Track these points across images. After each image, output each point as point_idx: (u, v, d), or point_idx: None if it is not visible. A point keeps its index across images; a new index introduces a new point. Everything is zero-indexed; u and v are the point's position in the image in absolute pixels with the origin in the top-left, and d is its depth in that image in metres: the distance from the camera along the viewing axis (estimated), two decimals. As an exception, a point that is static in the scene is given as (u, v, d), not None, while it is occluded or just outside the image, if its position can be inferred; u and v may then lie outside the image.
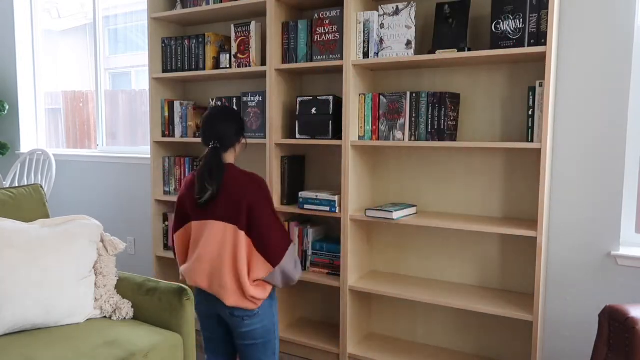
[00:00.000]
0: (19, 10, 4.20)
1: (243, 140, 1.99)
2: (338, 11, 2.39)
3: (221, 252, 1.82)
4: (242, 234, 1.83)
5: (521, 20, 2.02)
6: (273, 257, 1.84)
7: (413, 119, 2.27)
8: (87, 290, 1.93)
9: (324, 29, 2.43)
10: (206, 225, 1.86)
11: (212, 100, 2.81)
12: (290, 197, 2.63)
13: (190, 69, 2.86)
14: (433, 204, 2.48)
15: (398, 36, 2.27)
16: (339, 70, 2.49)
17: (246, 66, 2.66)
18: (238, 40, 2.68)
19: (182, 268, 1.92)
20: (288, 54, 2.54)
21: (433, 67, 2.42)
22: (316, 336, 2.62)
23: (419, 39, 2.41)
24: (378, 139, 2.36)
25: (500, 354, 2.39)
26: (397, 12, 2.26)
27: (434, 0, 2.38)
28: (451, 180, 2.43)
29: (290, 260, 1.86)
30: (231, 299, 1.80)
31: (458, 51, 2.14)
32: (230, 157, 1.94)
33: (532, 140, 2.05)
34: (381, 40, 2.31)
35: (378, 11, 2.30)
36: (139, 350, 1.73)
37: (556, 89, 2.20)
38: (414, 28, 2.24)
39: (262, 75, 2.74)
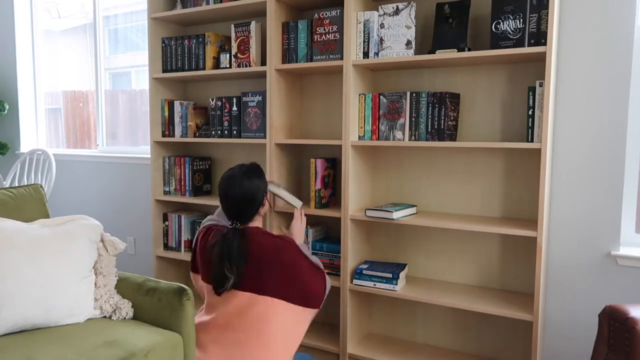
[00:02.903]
0: (19, 10, 4.20)
1: (266, 203, 2.05)
2: (338, 11, 2.39)
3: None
4: (280, 303, 1.91)
5: (521, 20, 2.02)
6: (316, 302, 1.99)
7: (413, 119, 2.27)
8: (87, 290, 1.93)
9: (324, 29, 2.43)
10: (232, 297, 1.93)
11: (212, 100, 2.81)
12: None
13: (190, 69, 2.86)
14: (433, 204, 2.48)
15: (398, 36, 2.27)
16: (339, 70, 2.49)
17: (246, 66, 2.66)
18: (238, 40, 2.68)
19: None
20: (288, 54, 2.54)
21: (433, 67, 2.42)
22: (316, 336, 2.62)
23: (419, 39, 2.41)
24: (378, 139, 2.36)
25: (500, 354, 2.39)
26: (397, 12, 2.27)
27: (434, 0, 2.38)
28: (451, 180, 2.43)
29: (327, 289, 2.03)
30: None
31: (458, 51, 2.14)
32: (255, 223, 2.03)
33: (532, 140, 2.05)
34: (381, 40, 2.31)
35: (378, 11, 2.30)
36: (139, 350, 1.73)
37: (556, 89, 2.20)
38: (414, 28, 2.24)
39: (262, 75, 2.74)
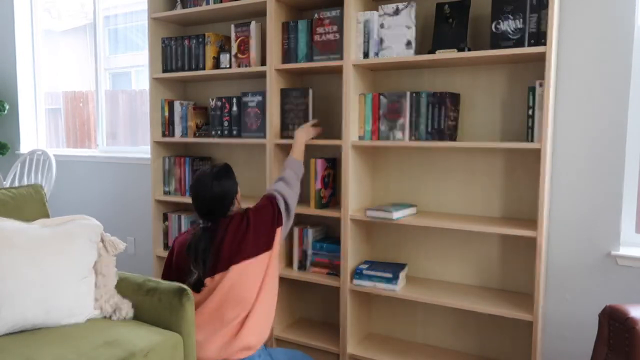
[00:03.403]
0: (19, 10, 4.20)
1: (239, 196, 2.12)
2: (338, 11, 2.39)
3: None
4: (246, 262, 2.00)
5: (521, 20, 2.02)
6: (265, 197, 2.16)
7: (413, 119, 2.27)
8: (87, 290, 1.93)
9: (324, 29, 2.43)
10: (228, 274, 1.98)
11: (212, 100, 2.81)
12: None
13: (190, 69, 2.86)
14: (433, 204, 2.48)
15: (398, 36, 2.27)
16: (339, 70, 2.49)
17: (246, 66, 2.66)
18: (238, 40, 2.68)
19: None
20: (288, 54, 2.54)
21: (433, 67, 2.42)
22: (316, 336, 2.62)
23: (419, 39, 2.41)
24: (378, 139, 2.36)
25: (500, 354, 2.39)
26: (397, 12, 2.26)
27: (434, 0, 2.38)
28: (451, 180, 2.43)
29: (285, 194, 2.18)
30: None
31: (458, 51, 2.14)
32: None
33: (532, 140, 2.05)
34: (381, 40, 2.31)
35: (378, 11, 2.30)
36: (139, 350, 1.73)
37: (556, 89, 2.20)
38: (414, 28, 2.24)
39: (262, 75, 2.74)
